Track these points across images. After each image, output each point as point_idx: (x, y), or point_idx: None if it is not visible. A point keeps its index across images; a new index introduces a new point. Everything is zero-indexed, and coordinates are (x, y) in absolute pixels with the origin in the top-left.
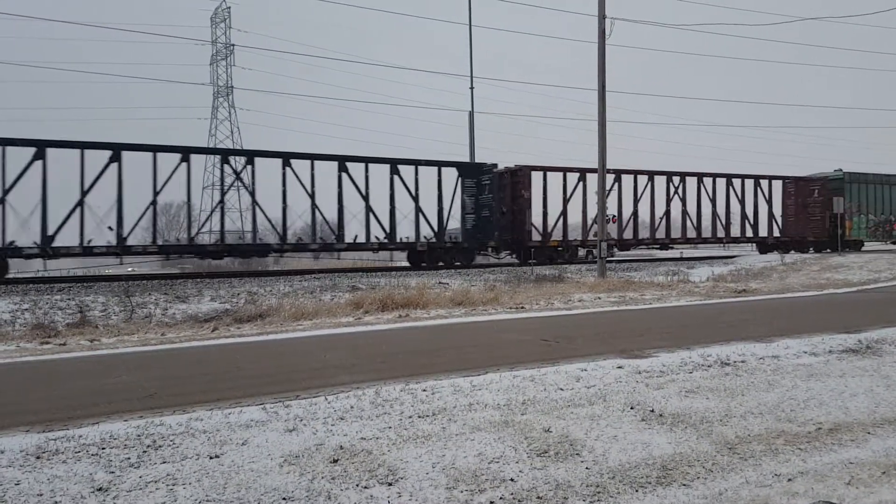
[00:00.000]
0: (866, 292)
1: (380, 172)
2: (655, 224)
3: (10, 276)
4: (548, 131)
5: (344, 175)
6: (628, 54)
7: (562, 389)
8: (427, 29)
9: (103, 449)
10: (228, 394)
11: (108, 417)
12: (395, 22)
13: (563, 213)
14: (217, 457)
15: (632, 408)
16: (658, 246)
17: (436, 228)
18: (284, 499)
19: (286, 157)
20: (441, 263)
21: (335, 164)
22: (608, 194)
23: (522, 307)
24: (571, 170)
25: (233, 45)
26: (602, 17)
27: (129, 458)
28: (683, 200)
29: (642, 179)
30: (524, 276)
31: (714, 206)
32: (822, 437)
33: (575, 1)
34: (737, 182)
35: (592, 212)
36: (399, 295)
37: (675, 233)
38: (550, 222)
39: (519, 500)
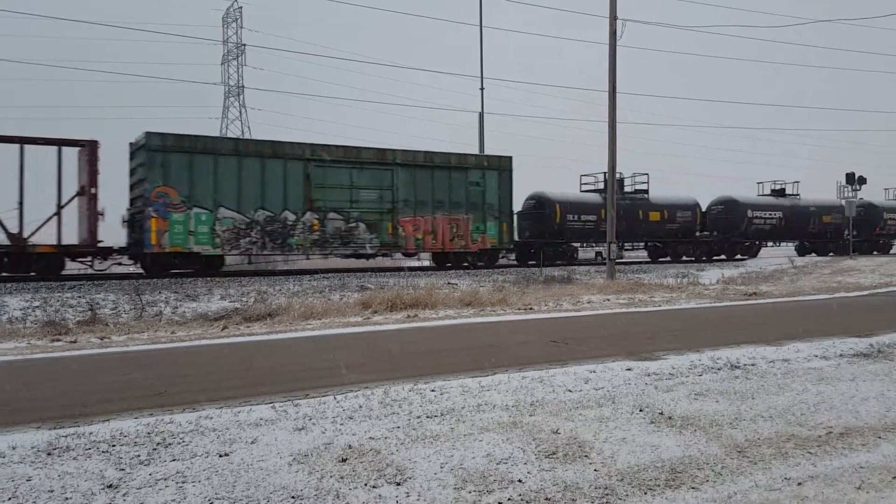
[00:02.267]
0: (878, 296)
1: None
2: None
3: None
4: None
5: None
6: (637, 55)
7: (570, 391)
8: (439, 30)
9: (113, 446)
10: (238, 392)
11: (119, 415)
12: (406, 22)
13: None
14: (226, 455)
15: (641, 410)
16: None
17: None
18: (293, 497)
19: None
20: None
21: None
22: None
23: (531, 308)
24: None
25: (244, 44)
26: (613, 17)
27: (139, 456)
28: None
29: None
30: (533, 277)
31: None
32: (833, 442)
33: (582, 3)
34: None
35: None
36: (408, 295)
37: None
38: None
39: (527, 502)
